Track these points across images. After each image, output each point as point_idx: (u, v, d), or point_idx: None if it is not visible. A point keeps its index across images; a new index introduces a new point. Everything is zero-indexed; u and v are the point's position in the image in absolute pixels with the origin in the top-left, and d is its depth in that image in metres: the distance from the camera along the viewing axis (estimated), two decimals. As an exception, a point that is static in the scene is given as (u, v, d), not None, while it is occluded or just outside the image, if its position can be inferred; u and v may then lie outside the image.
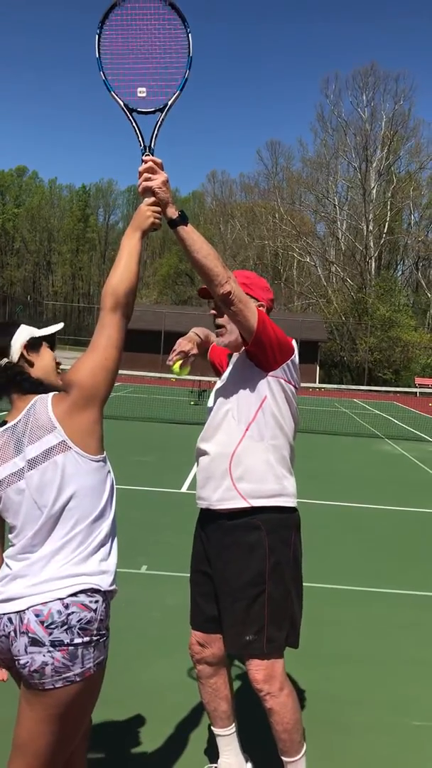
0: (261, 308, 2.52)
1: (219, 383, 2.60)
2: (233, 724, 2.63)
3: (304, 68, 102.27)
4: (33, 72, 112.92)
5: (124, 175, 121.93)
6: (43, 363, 2.03)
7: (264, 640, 2.38)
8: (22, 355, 1.99)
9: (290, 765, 2.50)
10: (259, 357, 2.42)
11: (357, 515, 7.61)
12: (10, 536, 1.92)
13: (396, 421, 19.27)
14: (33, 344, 2.01)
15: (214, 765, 2.67)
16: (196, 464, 2.61)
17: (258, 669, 2.41)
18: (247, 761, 2.65)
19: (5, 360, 1.97)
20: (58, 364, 2.08)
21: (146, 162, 2.21)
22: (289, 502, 2.48)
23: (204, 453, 2.52)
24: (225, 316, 2.49)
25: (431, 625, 4.51)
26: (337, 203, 50.76)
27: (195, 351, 2.78)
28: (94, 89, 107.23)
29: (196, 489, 2.59)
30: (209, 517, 2.52)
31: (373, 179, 48.10)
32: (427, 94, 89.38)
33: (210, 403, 2.62)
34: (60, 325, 2.16)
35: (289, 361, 2.47)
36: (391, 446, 13.66)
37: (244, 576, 2.40)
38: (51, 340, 2.07)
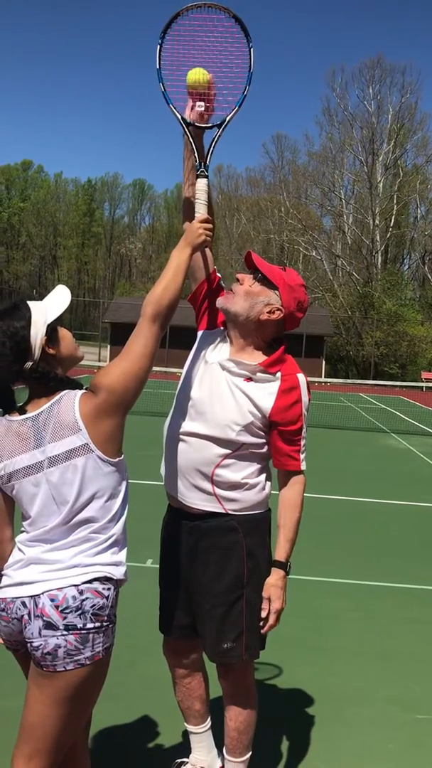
0: (278, 312, 2.31)
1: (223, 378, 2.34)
2: (207, 722, 2.60)
3: (310, 61, 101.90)
4: (39, 65, 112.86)
5: (130, 169, 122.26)
6: (65, 346, 1.95)
7: (243, 648, 2.32)
8: (43, 352, 1.88)
9: (231, 764, 2.48)
10: None
11: (362, 509, 7.61)
12: (23, 523, 1.94)
13: (402, 416, 19.26)
14: (51, 336, 1.91)
15: (185, 759, 2.65)
16: (167, 446, 2.41)
17: (228, 671, 2.40)
18: (218, 758, 2.60)
19: (29, 363, 1.86)
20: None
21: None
22: (266, 506, 2.42)
23: (187, 444, 2.34)
24: (245, 284, 2.32)
25: (436, 619, 4.52)
26: (343, 197, 50.53)
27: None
28: (101, 83, 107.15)
29: (165, 479, 2.42)
30: (182, 516, 2.39)
31: (379, 173, 47.85)
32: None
33: (202, 382, 2.38)
34: (64, 291, 1.98)
35: None
36: (397, 441, 13.66)
37: (222, 581, 2.31)
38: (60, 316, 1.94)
